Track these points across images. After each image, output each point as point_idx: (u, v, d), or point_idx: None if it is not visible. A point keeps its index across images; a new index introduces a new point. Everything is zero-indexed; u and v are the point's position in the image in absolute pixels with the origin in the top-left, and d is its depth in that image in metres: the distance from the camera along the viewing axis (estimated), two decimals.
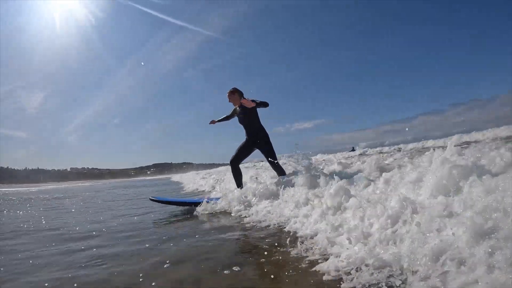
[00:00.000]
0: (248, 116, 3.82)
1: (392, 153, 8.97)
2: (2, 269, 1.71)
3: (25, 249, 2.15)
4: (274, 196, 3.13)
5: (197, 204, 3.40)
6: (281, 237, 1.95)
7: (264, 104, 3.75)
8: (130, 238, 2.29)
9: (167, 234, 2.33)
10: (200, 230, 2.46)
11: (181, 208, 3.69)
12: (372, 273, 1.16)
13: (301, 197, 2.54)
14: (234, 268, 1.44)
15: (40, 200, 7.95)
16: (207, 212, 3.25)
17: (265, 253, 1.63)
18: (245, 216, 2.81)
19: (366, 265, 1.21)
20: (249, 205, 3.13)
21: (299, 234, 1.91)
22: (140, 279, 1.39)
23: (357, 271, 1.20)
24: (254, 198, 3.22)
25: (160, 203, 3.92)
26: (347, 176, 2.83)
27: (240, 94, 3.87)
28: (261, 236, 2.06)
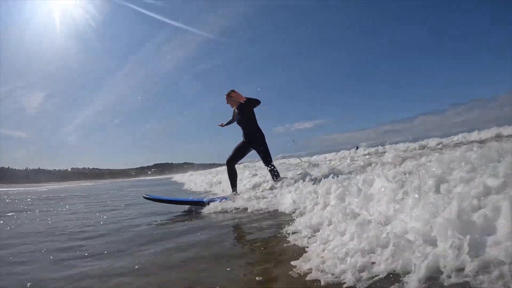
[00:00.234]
0: (244, 115, 3.87)
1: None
2: None
3: (19, 251, 2.11)
4: (270, 197, 3.17)
5: (192, 203, 3.41)
6: (278, 233, 1.98)
7: (256, 101, 3.85)
8: (124, 238, 2.29)
9: (165, 233, 2.35)
10: (197, 228, 2.50)
11: (180, 207, 3.71)
12: None
13: (300, 194, 2.57)
14: (233, 262, 1.48)
15: (40, 200, 7.99)
16: (211, 211, 3.27)
17: (262, 248, 1.66)
18: (243, 215, 2.85)
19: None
20: (246, 205, 3.16)
21: (297, 230, 1.93)
22: (136, 278, 1.40)
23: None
24: (251, 200, 3.25)
25: (154, 201, 3.93)
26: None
27: (235, 93, 3.90)
28: (258, 231, 2.10)
